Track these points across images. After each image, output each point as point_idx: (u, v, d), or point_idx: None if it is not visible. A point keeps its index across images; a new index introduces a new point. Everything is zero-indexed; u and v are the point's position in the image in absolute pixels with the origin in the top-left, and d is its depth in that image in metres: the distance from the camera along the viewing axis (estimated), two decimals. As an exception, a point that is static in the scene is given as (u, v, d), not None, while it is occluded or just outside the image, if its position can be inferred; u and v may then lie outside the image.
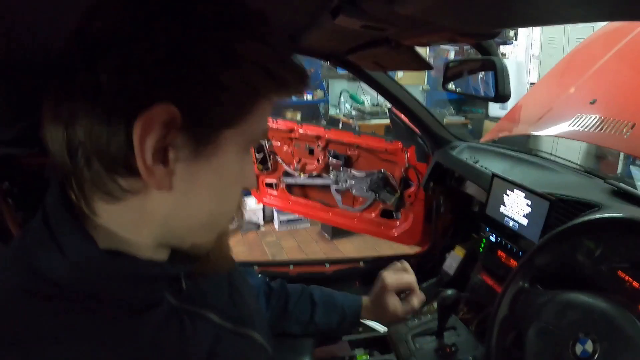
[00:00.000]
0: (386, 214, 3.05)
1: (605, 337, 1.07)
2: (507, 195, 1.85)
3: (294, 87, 0.70)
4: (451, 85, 1.53)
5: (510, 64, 7.15)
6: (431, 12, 0.82)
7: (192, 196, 0.67)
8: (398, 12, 0.80)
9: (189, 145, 0.62)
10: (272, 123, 2.99)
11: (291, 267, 2.79)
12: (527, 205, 1.76)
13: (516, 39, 8.03)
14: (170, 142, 0.60)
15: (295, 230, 5.66)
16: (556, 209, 1.64)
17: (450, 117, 7.57)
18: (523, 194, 1.77)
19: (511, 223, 1.85)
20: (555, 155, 2.30)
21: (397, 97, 2.37)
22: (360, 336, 1.96)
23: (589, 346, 1.07)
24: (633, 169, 4.01)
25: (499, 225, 1.93)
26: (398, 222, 3.01)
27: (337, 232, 5.29)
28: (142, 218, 0.67)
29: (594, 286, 1.27)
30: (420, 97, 7.74)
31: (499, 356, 1.31)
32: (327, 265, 2.83)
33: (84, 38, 0.57)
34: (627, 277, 1.28)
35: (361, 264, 2.88)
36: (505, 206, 1.87)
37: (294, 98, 6.35)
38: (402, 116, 2.62)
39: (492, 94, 1.36)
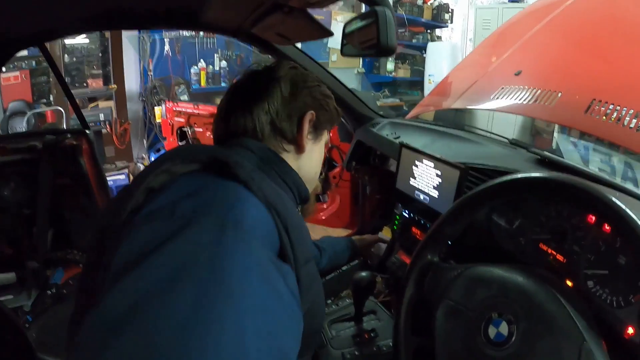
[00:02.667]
0: None
1: (523, 317, 0.94)
2: (416, 166, 1.75)
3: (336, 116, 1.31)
4: (349, 49, 1.42)
5: (445, 46, 7.39)
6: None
7: (310, 158, 1.22)
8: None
9: (313, 132, 1.21)
10: (193, 109, 2.86)
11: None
12: (437, 175, 1.65)
13: (452, 22, 8.08)
14: (309, 130, 1.18)
15: None
16: (469, 179, 1.54)
17: (384, 100, 7.55)
18: (432, 164, 1.66)
19: (422, 196, 1.75)
20: (482, 130, 2.24)
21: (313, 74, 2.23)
22: None
23: (504, 328, 0.95)
24: (560, 137, 3.99)
25: (410, 199, 1.83)
26: (325, 205, 2.94)
27: None
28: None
29: (514, 261, 1.17)
30: (354, 80, 7.77)
31: (408, 343, 1.19)
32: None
33: None
34: (549, 250, 1.19)
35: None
36: (415, 178, 1.77)
37: (222, 83, 6.42)
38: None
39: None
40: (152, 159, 5.55)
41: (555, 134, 4.61)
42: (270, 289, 0.67)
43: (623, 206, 0.88)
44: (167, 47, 6.19)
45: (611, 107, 1.54)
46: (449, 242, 1.25)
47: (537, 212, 1.24)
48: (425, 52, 7.60)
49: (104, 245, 0.82)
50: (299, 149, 1.16)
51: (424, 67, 7.55)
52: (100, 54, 6.03)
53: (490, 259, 1.16)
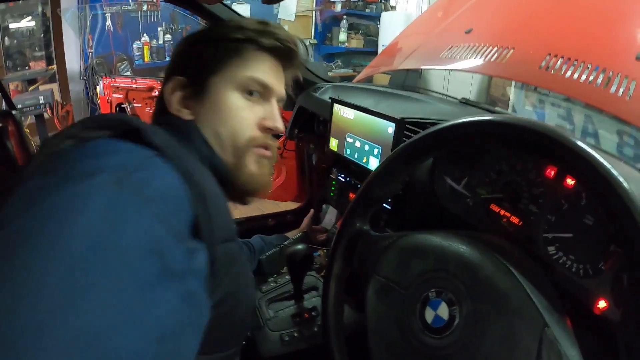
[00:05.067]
0: None
1: (466, 296, 0.75)
2: (349, 123, 1.63)
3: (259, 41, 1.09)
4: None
5: (399, 16, 7.22)
6: None
7: (207, 121, 1.04)
8: None
9: (190, 91, 1.06)
10: (131, 83, 2.74)
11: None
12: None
13: None
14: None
15: None
16: (407, 135, 1.38)
17: (336, 70, 7.52)
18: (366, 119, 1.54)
19: (356, 156, 1.60)
20: (435, 92, 2.13)
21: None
22: None
23: (444, 310, 0.76)
24: (515, 98, 3.95)
25: (344, 160, 1.69)
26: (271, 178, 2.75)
27: None
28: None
29: (461, 228, 1.00)
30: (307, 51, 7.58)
31: (338, 325, 1.02)
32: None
33: None
34: (502, 211, 1.04)
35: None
36: (349, 138, 1.65)
37: (167, 58, 6.38)
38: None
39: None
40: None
41: (512, 98, 4.56)
42: (161, 267, 0.60)
43: (589, 149, 0.68)
44: (108, 22, 5.96)
45: (567, 61, 1.44)
46: (387, 208, 1.09)
47: (487, 168, 1.09)
48: (379, 22, 7.51)
49: None
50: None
51: (377, 38, 7.49)
52: (42, 35, 5.79)
53: (435, 226, 0.97)
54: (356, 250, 1.00)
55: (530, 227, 0.96)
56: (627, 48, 1.44)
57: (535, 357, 0.66)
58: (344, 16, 7.65)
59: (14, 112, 2.43)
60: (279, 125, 1.10)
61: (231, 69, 1.05)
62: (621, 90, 1.24)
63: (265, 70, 1.08)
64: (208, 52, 1.06)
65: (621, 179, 0.64)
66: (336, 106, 1.70)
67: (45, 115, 5.44)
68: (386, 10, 7.90)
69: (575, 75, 1.37)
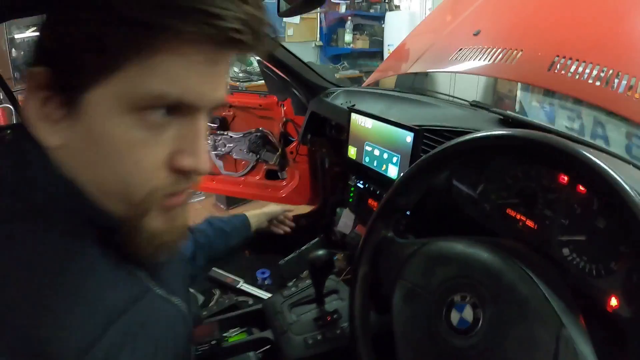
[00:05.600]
0: (271, 175, 2.90)
1: (490, 300, 0.82)
2: (368, 132, 1.69)
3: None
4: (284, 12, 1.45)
5: (404, 15, 7.28)
6: None
7: (82, 156, 0.67)
8: None
9: (60, 106, 0.64)
10: None
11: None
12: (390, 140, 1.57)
13: None
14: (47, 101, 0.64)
15: (190, 204, 5.37)
16: (425, 142, 1.45)
17: (343, 72, 7.51)
18: (384, 128, 1.60)
19: (375, 164, 1.67)
20: (443, 94, 2.16)
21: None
22: (234, 314, 1.81)
23: (468, 313, 0.83)
24: (524, 98, 3.97)
25: (362, 168, 1.75)
26: (284, 182, 2.87)
27: (232, 201, 5.22)
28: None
29: (480, 231, 1.06)
30: (312, 54, 7.70)
31: (365, 329, 1.08)
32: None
33: None
34: (518, 216, 1.10)
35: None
36: (368, 146, 1.70)
37: None
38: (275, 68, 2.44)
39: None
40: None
41: (519, 94, 4.59)
42: None
43: (599, 161, 0.76)
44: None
45: (576, 62, 1.48)
46: (407, 214, 1.14)
47: (503, 175, 1.15)
48: (383, 22, 7.55)
49: None
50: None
51: (382, 38, 7.52)
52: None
53: (453, 230, 1.05)
54: (382, 256, 1.06)
55: (545, 230, 1.02)
56: (634, 47, 1.47)
57: (553, 356, 0.73)
58: (349, 17, 7.67)
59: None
60: (201, 163, 0.71)
61: (122, 78, 0.62)
62: (629, 90, 1.29)
63: (184, 76, 0.65)
64: (85, 42, 0.61)
65: (630, 191, 0.71)
66: (354, 115, 1.75)
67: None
68: (390, 9, 7.94)
69: (584, 77, 1.41)
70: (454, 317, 0.84)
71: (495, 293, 0.82)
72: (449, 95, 2.07)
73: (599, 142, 1.43)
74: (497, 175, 1.16)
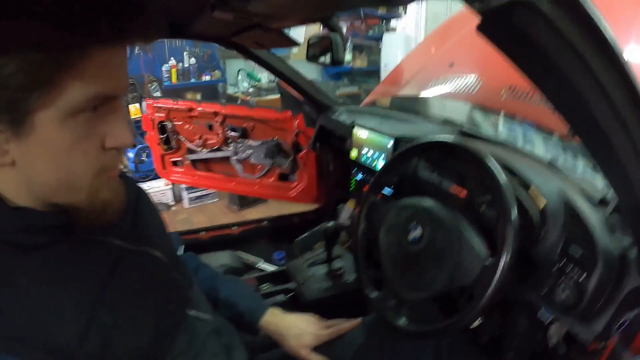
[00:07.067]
0: (283, 178, 3.22)
1: (428, 223, 1.37)
2: (365, 139, 2.24)
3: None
4: (312, 57, 1.89)
5: (399, 37, 7.56)
6: (278, 8, 1.14)
7: (33, 168, 0.75)
8: (254, 9, 1.08)
9: (8, 128, 0.70)
10: (172, 104, 3.10)
11: (203, 233, 2.97)
12: (379, 145, 2.12)
13: (405, 13, 8.29)
14: None
15: (205, 206, 5.68)
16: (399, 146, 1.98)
17: (344, 88, 7.83)
18: (375, 137, 2.15)
19: (369, 161, 2.23)
20: (423, 114, 2.58)
21: (281, 71, 2.55)
22: (267, 272, 2.40)
23: (418, 231, 1.38)
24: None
25: (362, 165, 2.29)
26: (295, 184, 3.19)
27: (244, 203, 5.35)
28: (14, 185, 0.78)
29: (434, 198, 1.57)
30: (315, 71, 8.02)
31: (364, 261, 1.61)
32: (234, 227, 3.07)
33: None
34: (458, 189, 1.62)
35: (265, 223, 3.15)
36: (364, 149, 2.26)
37: (192, 79, 6.38)
38: (290, 88, 2.76)
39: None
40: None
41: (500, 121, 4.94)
42: None
43: (471, 147, 1.35)
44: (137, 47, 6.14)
45: (522, 92, 1.97)
46: (390, 189, 1.72)
47: (449, 165, 1.65)
48: (381, 43, 7.82)
49: None
50: None
51: (380, 57, 7.77)
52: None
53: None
54: (373, 212, 1.61)
55: (472, 196, 1.55)
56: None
57: (457, 249, 1.30)
58: (349, 38, 7.91)
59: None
60: (127, 139, 0.82)
61: (57, 95, 0.70)
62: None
63: (101, 75, 0.73)
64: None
65: (495, 167, 1.28)
66: (355, 129, 2.28)
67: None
68: (387, 31, 8.24)
69: (529, 100, 1.90)
70: (410, 235, 1.40)
71: (431, 219, 1.37)
72: (428, 115, 2.52)
73: (527, 145, 1.84)
74: (446, 166, 1.66)
